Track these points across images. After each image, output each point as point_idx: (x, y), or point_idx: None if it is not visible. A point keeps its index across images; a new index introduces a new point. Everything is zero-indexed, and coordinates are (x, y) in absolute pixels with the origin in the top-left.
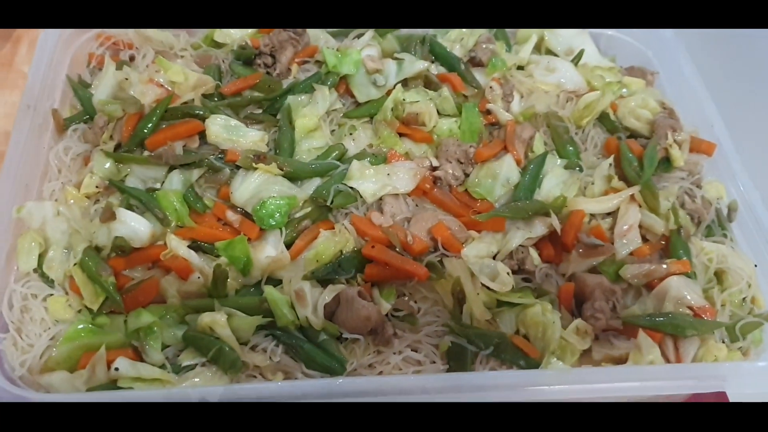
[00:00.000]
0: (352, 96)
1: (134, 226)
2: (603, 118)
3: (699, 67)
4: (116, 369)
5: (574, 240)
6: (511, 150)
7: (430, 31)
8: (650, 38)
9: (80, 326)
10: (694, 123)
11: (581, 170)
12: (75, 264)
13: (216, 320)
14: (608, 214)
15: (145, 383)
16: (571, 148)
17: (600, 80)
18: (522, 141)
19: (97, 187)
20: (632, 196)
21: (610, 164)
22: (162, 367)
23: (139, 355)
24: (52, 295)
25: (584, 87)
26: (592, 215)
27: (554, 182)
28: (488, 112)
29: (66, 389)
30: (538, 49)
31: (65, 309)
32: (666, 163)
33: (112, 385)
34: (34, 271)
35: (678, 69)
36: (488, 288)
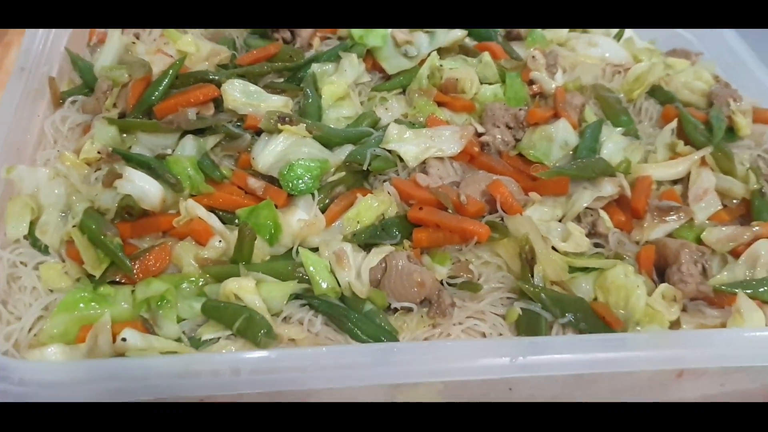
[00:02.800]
0: (381, 71)
1: (143, 186)
2: (655, 91)
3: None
4: (123, 340)
5: (645, 205)
6: (563, 116)
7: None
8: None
9: (79, 295)
10: (752, 96)
11: (639, 139)
12: (74, 226)
13: (243, 285)
14: (675, 182)
15: None
16: (624, 117)
17: (647, 54)
18: (573, 107)
19: (98, 152)
20: (703, 159)
21: (673, 130)
22: (178, 341)
23: (149, 330)
24: (44, 262)
25: (630, 61)
26: (659, 183)
27: (614, 149)
28: (531, 83)
29: None
30: None
31: (60, 277)
32: (729, 133)
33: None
34: (24, 238)
35: (724, 45)
36: (558, 253)
